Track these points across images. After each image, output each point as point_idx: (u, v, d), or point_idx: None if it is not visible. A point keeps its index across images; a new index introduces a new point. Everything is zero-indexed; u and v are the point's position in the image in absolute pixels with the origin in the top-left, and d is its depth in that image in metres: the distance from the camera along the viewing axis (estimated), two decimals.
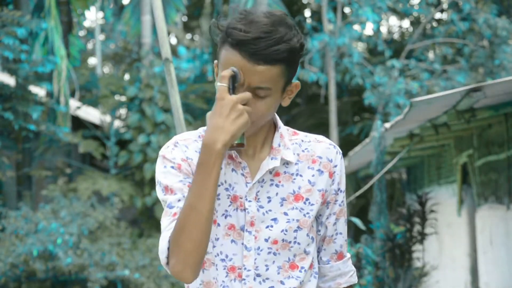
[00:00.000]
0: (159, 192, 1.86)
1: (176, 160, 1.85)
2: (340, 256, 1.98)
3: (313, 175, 1.89)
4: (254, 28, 1.73)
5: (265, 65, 1.74)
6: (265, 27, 1.74)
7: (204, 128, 1.93)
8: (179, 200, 1.80)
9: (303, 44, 1.80)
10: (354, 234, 13.02)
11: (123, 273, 9.54)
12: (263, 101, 1.78)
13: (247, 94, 1.74)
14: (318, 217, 1.94)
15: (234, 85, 1.74)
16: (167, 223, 1.79)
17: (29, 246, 8.95)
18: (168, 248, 1.76)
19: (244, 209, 1.84)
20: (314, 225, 1.93)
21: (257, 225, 1.84)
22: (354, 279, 2.01)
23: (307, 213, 1.87)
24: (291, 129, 1.96)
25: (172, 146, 1.88)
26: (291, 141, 1.92)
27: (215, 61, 1.85)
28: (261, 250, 1.84)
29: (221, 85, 1.72)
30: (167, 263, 1.77)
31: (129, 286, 9.79)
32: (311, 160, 1.90)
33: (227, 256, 1.84)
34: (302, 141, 1.93)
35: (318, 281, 1.98)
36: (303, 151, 1.91)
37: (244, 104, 1.74)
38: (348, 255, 2.01)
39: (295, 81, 1.85)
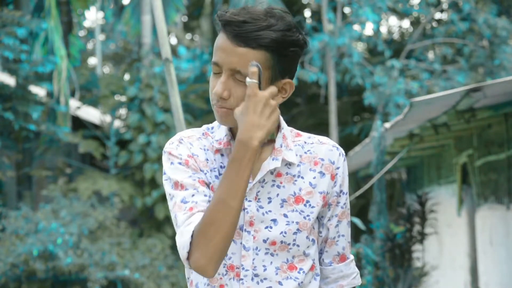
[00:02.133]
0: (167, 187, 1.84)
1: (183, 156, 1.84)
2: (342, 258, 1.97)
3: (314, 177, 1.88)
4: (243, 13, 1.76)
5: (245, 48, 1.74)
6: (255, 14, 1.75)
7: (207, 126, 1.93)
8: (193, 195, 1.79)
9: (298, 41, 1.79)
10: (354, 234, 13.03)
11: (123, 273, 9.54)
12: (242, 87, 1.77)
13: (274, 89, 1.74)
14: (320, 218, 1.93)
15: (260, 80, 1.73)
16: (185, 218, 1.77)
17: (29, 246, 8.96)
18: (191, 243, 1.74)
19: (244, 209, 1.84)
20: (315, 227, 1.92)
21: (256, 225, 1.84)
22: (357, 281, 2.00)
23: (307, 215, 1.86)
24: (294, 130, 1.94)
25: (177, 142, 1.87)
26: (294, 143, 1.91)
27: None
28: (259, 250, 1.84)
29: (251, 81, 1.71)
30: (188, 258, 1.74)
31: (129, 286, 9.79)
32: (313, 162, 1.89)
33: (226, 255, 1.83)
34: (305, 142, 1.92)
35: (321, 283, 1.97)
36: (305, 152, 1.90)
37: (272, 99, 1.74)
38: (351, 257, 2.00)
39: (288, 79, 1.82)
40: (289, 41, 1.77)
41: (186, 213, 1.77)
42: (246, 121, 1.70)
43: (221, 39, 1.77)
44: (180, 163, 1.84)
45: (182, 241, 1.75)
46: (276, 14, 1.77)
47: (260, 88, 1.73)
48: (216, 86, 1.78)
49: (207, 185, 1.83)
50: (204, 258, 1.72)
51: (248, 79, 1.72)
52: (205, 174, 1.84)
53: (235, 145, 1.72)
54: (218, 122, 1.85)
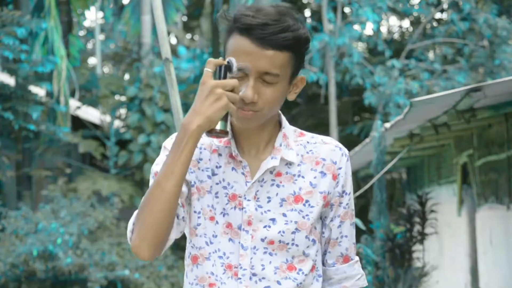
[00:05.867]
0: (150, 180, 1.88)
1: None
2: (346, 259, 1.96)
3: (315, 177, 1.88)
4: (262, 15, 1.77)
5: (273, 50, 1.76)
6: (272, 15, 1.77)
7: None
8: None
9: (309, 38, 1.83)
10: (355, 234, 12.99)
11: (123, 273, 9.53)
12: (270, 88, 1.79)
13: (232, 81, 1.74)
14: (323, 219, 1.93)
15: (225, 73, 1.75)
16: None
17: (29, 246, 8.95)
18: (134, 224, 1.80)
19: (242, 208, 1.84)
20: (317, 227, 1.91)
21: (254, 224, 1.84)
22: (362, 283, 1.98)
23: (307, 215, 1.86)
24: (298, 130, 1.95)
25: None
26: (296, 142, 1.91)
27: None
28: (257, 250, 1.84)
29: (206, 70, 1.74)
30: (131, 238, 1.79)
31: (129, 286, 9.78)
32: (315, 161, 1.89)
33: (224, 254, 1.84)
34: (308, 142, 1.92)
35: (325, 284, 1.96)
36: (307, 152, 1.90)
37: (231, 91, 1.73)
38: (356, 258, 1.99)
39: (300, 75, 1.86)
40: (305, 38, 1.81)
41: None
42: (192, 107, 1.73)
43: (243, 43, 1.77)
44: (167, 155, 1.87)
45: (129, 223, 1.81)
46: (286, 12, 1.80)
47: (223, 78, 1.74)
48: (247, 91, 1.78)
49: (188, 182, 1.86)
50: (137, 239, 1.76)
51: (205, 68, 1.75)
52: (192, 172, 1.87)
53: (178, 129, 1.77)
54: (239, 125, 1.84)
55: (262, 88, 1.78)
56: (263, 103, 1.79)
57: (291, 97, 1.87)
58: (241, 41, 1.77)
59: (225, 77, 1.75)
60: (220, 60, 1.75)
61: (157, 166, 1.87)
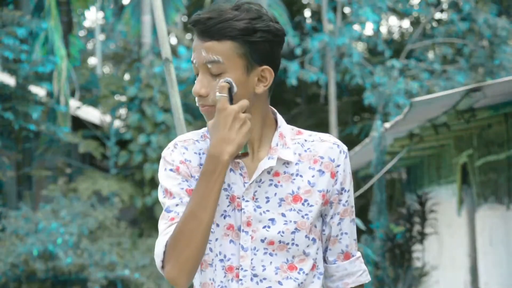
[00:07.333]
0: (159, 194, 1.87)
1: (175, 163, 1.86)
2: (347, 256, 1.96)
3: (313, 176, 1.86)
4: (210, 10, 1.79)
5: (211, 41, 1.78)
6: (219, 10, 1.78)
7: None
8: (177, 205, 1.81)
9: (268, 29, 1.78)
10: None
11: (123, 273, 9.54)
12: (219, 79, 1.79)
13: (245, 102, 1.76)
14: (323, 217, 1.92)
15: (231, 95, 1.77)
16: (165, 227, 1.80)
17: (29, 246, 8.96)
18: (164, 252, 1.78)
19: (241, 209, 1.84)
20: (317, 225, 1.90)
21: (254, 225, 1.83)
22: (364, 279, 1.97)
23: (306, 214, 1.85)
24: (296, 128, 1.93)
25: (172, 147, 1.89)
26: (293, 141, 1.89)
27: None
28: (257, 251, 1.83)
29: (221, 96, 1.75)
30: (162, 267, 1.78)
31: (129, 286, 9.79)
32: (313, 160, 1.88)
33: (225, 256, 1.84)
34: (305, 140, 1.90)
35: (327, 281, 1.96)
36: (305, 151, 1.89)
37: (243, 112, 1.76)
38: (357, 254, 1.98)
39: (265, 66, 1.81)
40: (254, 28, 1.78)
41: (167, 223, 1.81)
42: (217, 135, 1.73)
43: (194, 39, 1.82)
44: (171, 170, 1.86)
45: (157, 251, 1.79)
46: (244, 7, 1.79)
47: (230, 102, 1.76)
48: (194, 85, 1.82)
49: None
50: (174, 270, 1.75)
51: (217, 94, 1.75)
52: (197, 179, 1.85)
53: (206, 158, 1.75)
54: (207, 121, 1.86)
55: (212, 82, 1.80)
56: (215, 96, 1.79)
57: (259, 90, 1.82)
58: (194, 38, 1.82)
59: (231, 98, 1.77)
60: (225, 83, 1.76)
61: (167, 182, 1.85)
